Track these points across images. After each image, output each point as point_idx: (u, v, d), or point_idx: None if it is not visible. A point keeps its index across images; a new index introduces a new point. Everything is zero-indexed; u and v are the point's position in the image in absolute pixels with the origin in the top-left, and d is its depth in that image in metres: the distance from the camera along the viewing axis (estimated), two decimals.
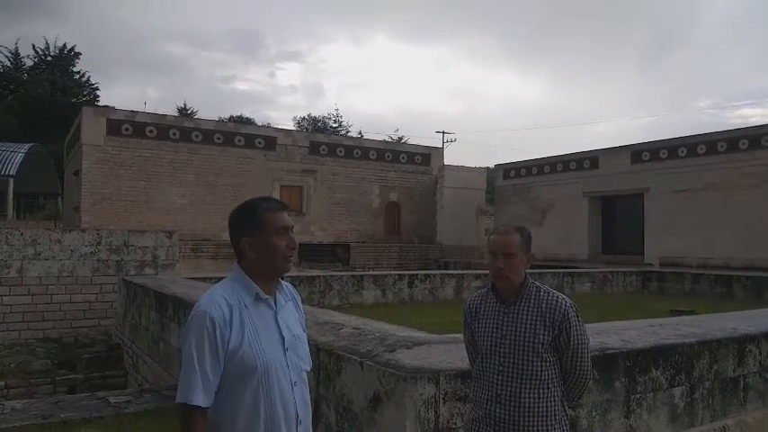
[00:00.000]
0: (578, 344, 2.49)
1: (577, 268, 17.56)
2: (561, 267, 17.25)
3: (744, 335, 4.63)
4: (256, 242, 1.99)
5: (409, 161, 26.61)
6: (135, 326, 9.20)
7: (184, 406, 1.86)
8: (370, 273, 14.39)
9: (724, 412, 4.40)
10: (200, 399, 1.84)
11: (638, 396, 3.95)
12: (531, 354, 2.45)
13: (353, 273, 14.41)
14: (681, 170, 19.95)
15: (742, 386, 4.54)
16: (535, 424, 2.42)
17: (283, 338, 1.99)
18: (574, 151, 24.15)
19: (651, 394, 4.01)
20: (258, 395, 1.90)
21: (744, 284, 15.05)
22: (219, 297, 1.94)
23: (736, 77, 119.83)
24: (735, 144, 18.72)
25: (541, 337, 2.45)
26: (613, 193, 22.47)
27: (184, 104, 47.57)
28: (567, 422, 2.51)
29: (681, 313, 9.11)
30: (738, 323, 5.07)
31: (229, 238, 2.09)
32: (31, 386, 8.63)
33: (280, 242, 1.99)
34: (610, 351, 3.85)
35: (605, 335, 4.23)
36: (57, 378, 8.68)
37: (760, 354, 4.68)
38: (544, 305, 2.49)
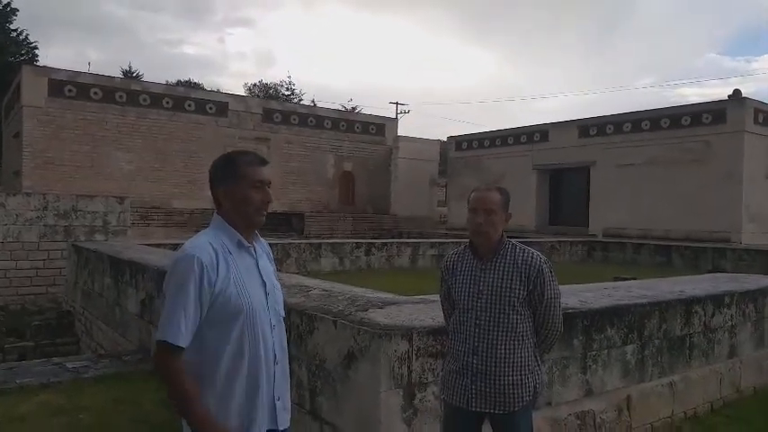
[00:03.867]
0: (551, 298, 2.62)
1: (526, 238, 18.05)
2: (510, 237, 17.65)
3: (690, 297, 4.93)
4: (232, 193, 2.05)
5: (364, 131, 26.50)
6: (87, 292, 8.98)
7: (165, 344, 1.89)
8: (328, 241, 14.40)
9: (671, 369, 4.69)
10: (182, 339, 1.89)
11: (594, 353, 4.17)
12: (507, 307, 2.57)
13: (311, 241, 14.39)
14: (625, 145, 20.62)
15: (688, 345, 4.85)
16: (510, 373, 2.55)
17: (264, 284, 2.10)
18: (524, 125, 24.59)
19: (606, 351, 4.24)
20: (243, 335, 1.98)
21: (682, 254, 15.85)
22: (205, 242, 2.00)
23: (675, 58, 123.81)
24: (677, 120, 19.44)
25: (517, 291, 2.57)
26: (561, 166, 23.07)
27: (129, 67, 45.43)
28: (539, 371, 2.65)
29: (623, 280, 9.55)
30: (685, 287, 5.38)
31: (209, 189, 2.14)
32: None
33: (255, 195, 2.06)
34: (569, 311, 4.03)
35: (564, 296, 4.37)
36: (5, 346, 8.41)
37: (705, 315, 4.99)
38: (520, 261, 2.61)
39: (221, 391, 1.96)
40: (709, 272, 11.53)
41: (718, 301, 5.13)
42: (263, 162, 2.14)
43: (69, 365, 6.08)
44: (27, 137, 18.79)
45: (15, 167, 20.26)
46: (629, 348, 4.40)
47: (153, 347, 1.95)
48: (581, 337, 4.09)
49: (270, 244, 2.39)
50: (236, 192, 2.05)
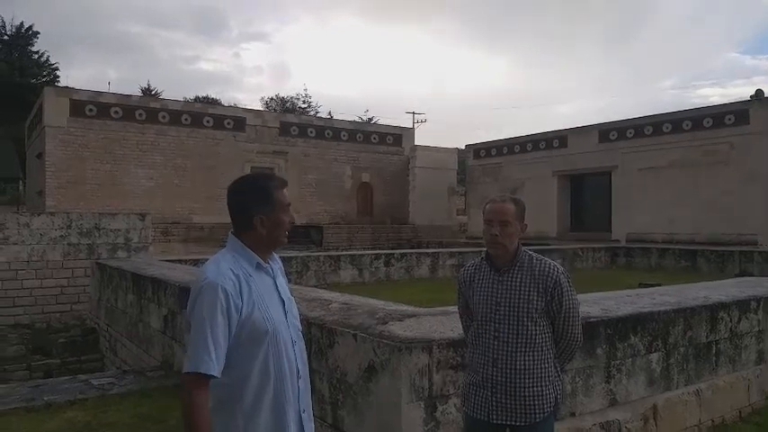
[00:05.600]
0: (569, 308, 2.59)
1: (549, 245, 17.89)
2: (531, 245, 17.55)
3: (716, 303, 4.84)
4: (269, 220, 2.09)
5: (381, 142, 26.58)
6: (111, 309, 9.10)
7: (192, 375, 1.90)
8: (347, 252, 14.41)
9: (698, 376, 4.60)
10: (212, 368, 1.90)
11: (618, 362, 4.11)
12: (525, 319, 2.55)
13: (330, 253, 14.42)
14: (647, 148, 20.38)
15: (714, 351, 4.75)
16: (530, 385, 2.52)
17: (283, 301, 2.14)
18: (543, 131, 24.46)
19: (630, 360, 4.18)
20: (268, 355, 2.02)
21: (708, 258, 15.56)
22: (226, 269, 2.01)
23: (696, 59, 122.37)
24: (699, 122, 19.17)
25: (535, 302, 2.55)
26: (582, 172, 22.87)
27: (148, 85, 46.19)
28: (559, 382, 2.62)
29: (649, 287, 9.42)
30: (710, 292, 5.28)
31: (232, 211, 2.14)
32: (6, 372, 8.49)
33: (285, 218, 2.13)
34: (591, 319, 3.98)
35: (586, 304, 4.37)
36: (32, 363, 8.55)
37: (731, 321, 4.89)
38: (537, 272, 2.59)
39: (249, 410, 1.99)
40: (737, 276, 11.33)
41: (744, 306, 5.03)
42: (285, 183, 2.21)
43: (95, 382, 6.16)
44: (50, 157, 19.17)
45: (39, 187, 20.66)
46: (654, 356, 4.33)
47: (181, 376, 1.93)
48: (604, 346, 4.03)
49: (289, 257, 2.43)
50: (271, 218, 2.10)
